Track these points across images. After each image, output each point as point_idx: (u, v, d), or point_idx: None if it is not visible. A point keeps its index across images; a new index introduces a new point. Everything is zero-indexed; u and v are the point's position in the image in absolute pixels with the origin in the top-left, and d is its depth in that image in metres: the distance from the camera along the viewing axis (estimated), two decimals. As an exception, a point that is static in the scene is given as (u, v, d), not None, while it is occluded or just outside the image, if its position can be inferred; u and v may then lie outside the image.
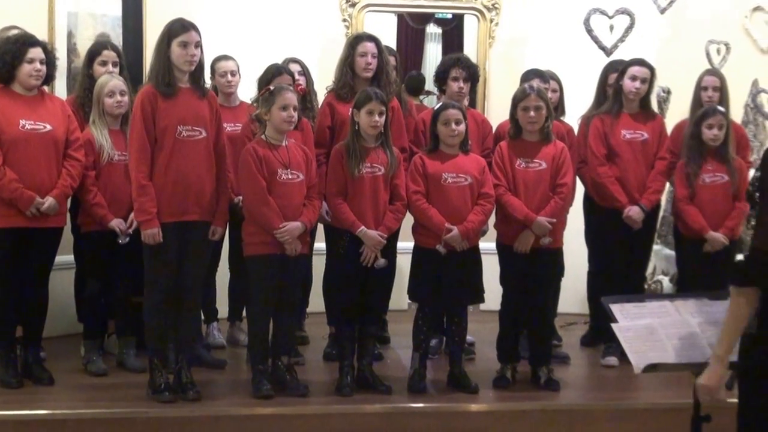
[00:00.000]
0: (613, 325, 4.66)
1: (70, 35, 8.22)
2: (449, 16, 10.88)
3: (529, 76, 7.73)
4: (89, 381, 7.07)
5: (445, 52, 10.07)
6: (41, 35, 7.75)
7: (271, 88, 6.77)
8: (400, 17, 11.07)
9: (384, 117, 6.73)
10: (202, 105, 6.54)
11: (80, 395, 6.83)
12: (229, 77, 7.81)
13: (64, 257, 7.48)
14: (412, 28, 13.04)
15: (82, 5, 8.30)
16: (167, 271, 6.51)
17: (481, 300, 7.16)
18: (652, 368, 4.51)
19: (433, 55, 13.39)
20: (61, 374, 7.05)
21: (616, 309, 4.74)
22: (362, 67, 7.28)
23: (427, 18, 11.47)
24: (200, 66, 6.54)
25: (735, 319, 3.97)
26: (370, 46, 7.29)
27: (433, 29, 13.14)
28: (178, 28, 6.41)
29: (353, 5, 9.34)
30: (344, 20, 9.25)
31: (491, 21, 9.55)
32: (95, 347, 7.31)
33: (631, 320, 4.69)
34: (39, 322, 7.01)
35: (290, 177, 6.64)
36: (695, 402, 4.60)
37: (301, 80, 7.78)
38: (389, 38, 10.22)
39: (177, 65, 6.40)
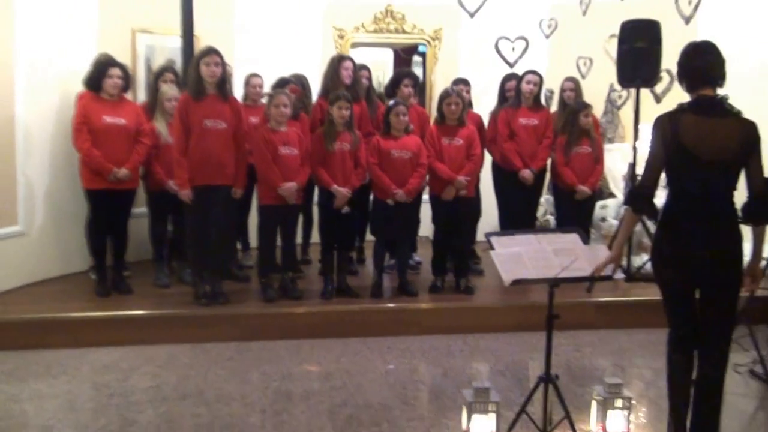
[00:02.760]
0: (491, 252, 4.19)
1: (147, 60, 7.85)
2: (426, 49, 10.24)
3: (457, 82, 7.40)
4: (157, 291, 6.75)
5: (423, 72, 9.64)
6: (127, 59, 7.53)
7: (271, 92, 6.49)
8: (396, 51, 10.55)
9: (349, 110, 6.39)
10: (225, 106, 6.14)
11: (150, 301, 6.43)
12: (258, 89, 7.18)
13: (142, 209, 7.08)
14: (402, 57, 12.53)
15: (156, 41, 7.92)
16: (201, 219, 6.18)
17: (416, 233, 7.04)
18: (517, 282, 4.03)
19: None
20: (139, 286, 6.75)
21: (494, 240, 4.27)
22: (343, 77, 6.87)
23: (412, 50, 10.92)
24: (223, 79, 6.12)
25: (628, 226, 4.18)
26: (348, 63, 6.96)
27: (416, 58, 12.59)
28: (205, 52, 6.12)
29: (342, 37, 8.84)
30: (336, 48, 8.75)
31: (435, 47, 9.12)
32: (162, 268, 7.01)
33: (504, 248, 4.22)
34: (122, 251, 6.71)
35: (288, 151, 6.31)
36: (549, 302, 4.13)
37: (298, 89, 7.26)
38: (388, 64, 9.89)
39: (204, 78, 6.03)
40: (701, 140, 3.71)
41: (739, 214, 3.83)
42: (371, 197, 6.84)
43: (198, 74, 6.01)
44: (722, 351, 3.88)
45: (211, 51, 6.06)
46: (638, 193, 3.96)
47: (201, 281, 6.31)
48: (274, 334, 6.08)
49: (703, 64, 3.80)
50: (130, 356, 5.71)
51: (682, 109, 3.85)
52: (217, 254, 6.32)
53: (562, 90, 7.69)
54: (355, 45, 8.90)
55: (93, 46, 7.28)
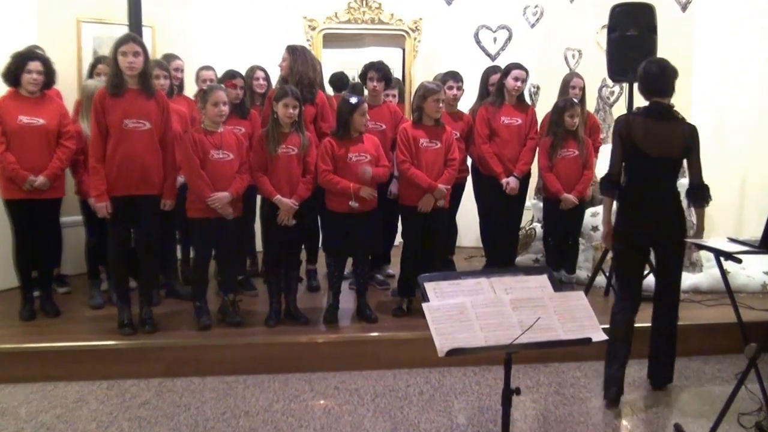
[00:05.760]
0: (424, 305, 2.81)
1: (95, 53, 6.40)
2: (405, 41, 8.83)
3: (446, 77, 5.87)
4: (87, 314, 5.41)
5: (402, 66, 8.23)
6: (72, 52, 6.39)
7: (205, 88, 5.03)
8: (403, 49, 9.12)
9: (297, 109, 4.93)
10: (149, 103, 4.73)
11: (75, 327, 5.10)
12: (209, 83, 5.67)
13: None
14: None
15: (105, 31, 6.51)
16: (123, 234, 4.85)
17: (379, 249, 5.52)
18: (454, 352, 2.64)
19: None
20: (71, 307, 5.52)
21: (429, 288, 2.90)
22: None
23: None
24: (145, 72, 4.70)
25: (607, 207, 4.35)
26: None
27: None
28: (122, 40, 4.70)
29: (313, 29, 7.40)
30: (307, 40, 7.34)
31: (415, 39, 7.59)
32: (97, 285, 5.68)
33: (442, 299, 2.84)
34: (47, 269, 5.43)
35: (221, 156, 4.87)
36: (506, 376, 2.77)
37: (264, 83, 6.05)
38: (398, 60, 7.99)
39: (122, 70, 4.61)
40: (650, 139, 4.06)
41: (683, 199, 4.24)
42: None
43: (116, 66, 4.62)
44: (674, 302, 4.34)
45: (129, 38, 4.68)
46: (607, 180, 4.26)
47: (125, 307, 4.93)
48: (202, 370, 4.70)
49: (658, 81, 4.08)
50: (36, 398, 4.39)
51: (637, 112, 4.26)
52: (144, 276, 4.98)
53: (571, 87, 6.07)
54: (327, 36, 7.45)
55: (33, 38, 5.96)
